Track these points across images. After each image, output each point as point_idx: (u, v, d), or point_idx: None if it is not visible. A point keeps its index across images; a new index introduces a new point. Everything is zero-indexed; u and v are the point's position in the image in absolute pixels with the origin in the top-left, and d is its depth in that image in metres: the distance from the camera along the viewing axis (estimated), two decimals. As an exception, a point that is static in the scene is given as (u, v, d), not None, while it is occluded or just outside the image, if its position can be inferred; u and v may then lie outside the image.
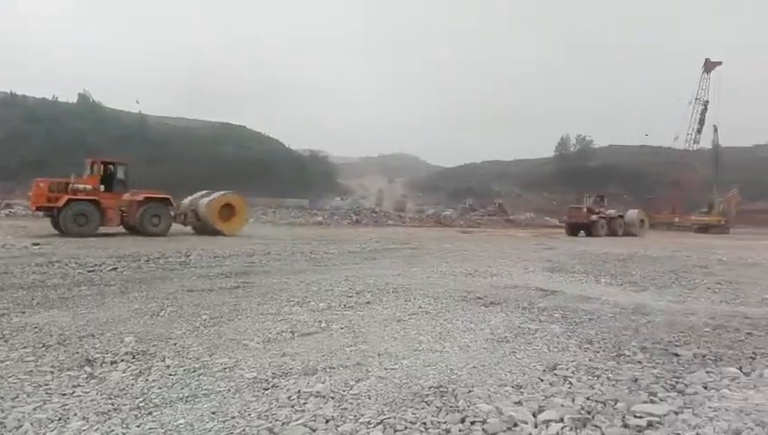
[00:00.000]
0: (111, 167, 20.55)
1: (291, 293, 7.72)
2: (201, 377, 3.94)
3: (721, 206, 50.80)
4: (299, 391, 3.65)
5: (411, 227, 37.51)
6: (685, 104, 55.21)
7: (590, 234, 30.89)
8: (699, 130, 55.69)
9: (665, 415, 3.25)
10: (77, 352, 4.48)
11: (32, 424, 3.04)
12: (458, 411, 3.30)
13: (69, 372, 3.96)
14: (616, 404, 3.46)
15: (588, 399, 3.57)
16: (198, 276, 9.35)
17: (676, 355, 4.74)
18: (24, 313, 6.00)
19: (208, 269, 10.40)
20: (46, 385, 3.68)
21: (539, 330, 5.67)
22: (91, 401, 3.44)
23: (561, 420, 3.17)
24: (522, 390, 3.75)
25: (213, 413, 3.26)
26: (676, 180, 57.23)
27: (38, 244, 14.51)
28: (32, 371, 3.97)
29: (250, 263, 11.68)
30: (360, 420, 3.16)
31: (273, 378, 3.94)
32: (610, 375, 4.11)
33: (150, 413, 3.26)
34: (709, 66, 54.71)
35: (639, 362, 4.52)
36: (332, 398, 3.53)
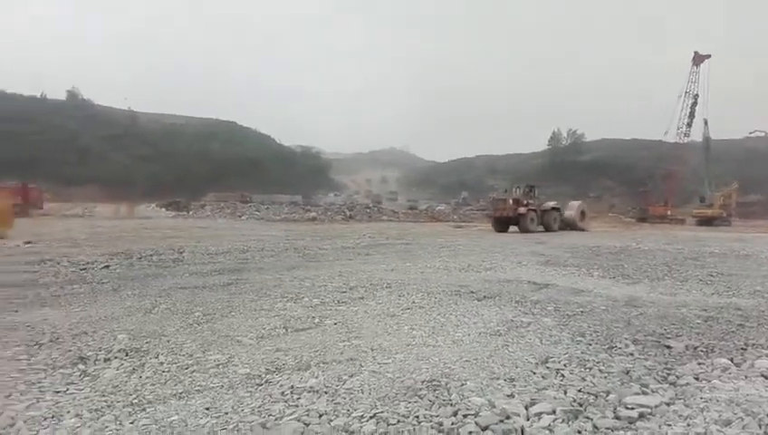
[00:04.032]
0: None
1: (284, 289, 7.72)
2: (194, 373, 3.94)
3: (721, 199, 51.04)
4: (292, 386, 3.66)
5: (405, 223, 37.49)
6: (675, 98, 55.31)
7: (521, 229, 26.76)
8: (689, 124, 55.74)
9: (656, 406, 3.28)
10: (70, 350, 4.48)
11: (25, 422, 3.04)
12: (451, 405, 3.32)
13: (62, 370, 3.96)
14: (608, 396, 3.49)
15: (580, 391, 3.60)
16: (191, 273, 9.34)
17: (668, 347, 4.78)
18: (16, 311, 6.00)
19: (201, 266, 10.38)
20: (39, 383, 3.68)
21: (531, 323, 5.70)
22: (85, 398, 3.44)
23: (554, 412, 3.20)
24: (514, 383, 3.78)
25: (206, 409, 3.27)
26: (667, 173, 57.37)
27: (30, 242, 14.44)
28: (25, 369, 3.97)
29: (243, 260, 11.67)
30: (353, 415, 3.17)
31: (267, 374, 3.95)
32: (602, 367, 4.15)
33: (144, 410, 3.27)
34: (698, 60, 54.50)
35: (631, 355, 4.55)
36: (326, 392, 3.54)
